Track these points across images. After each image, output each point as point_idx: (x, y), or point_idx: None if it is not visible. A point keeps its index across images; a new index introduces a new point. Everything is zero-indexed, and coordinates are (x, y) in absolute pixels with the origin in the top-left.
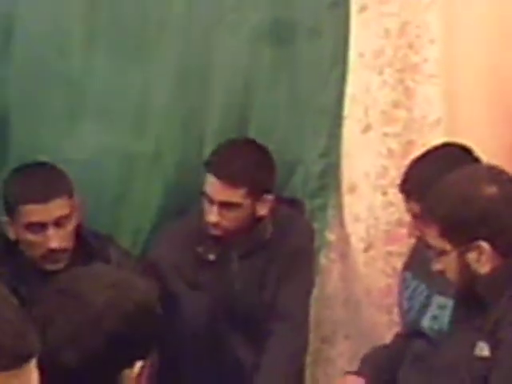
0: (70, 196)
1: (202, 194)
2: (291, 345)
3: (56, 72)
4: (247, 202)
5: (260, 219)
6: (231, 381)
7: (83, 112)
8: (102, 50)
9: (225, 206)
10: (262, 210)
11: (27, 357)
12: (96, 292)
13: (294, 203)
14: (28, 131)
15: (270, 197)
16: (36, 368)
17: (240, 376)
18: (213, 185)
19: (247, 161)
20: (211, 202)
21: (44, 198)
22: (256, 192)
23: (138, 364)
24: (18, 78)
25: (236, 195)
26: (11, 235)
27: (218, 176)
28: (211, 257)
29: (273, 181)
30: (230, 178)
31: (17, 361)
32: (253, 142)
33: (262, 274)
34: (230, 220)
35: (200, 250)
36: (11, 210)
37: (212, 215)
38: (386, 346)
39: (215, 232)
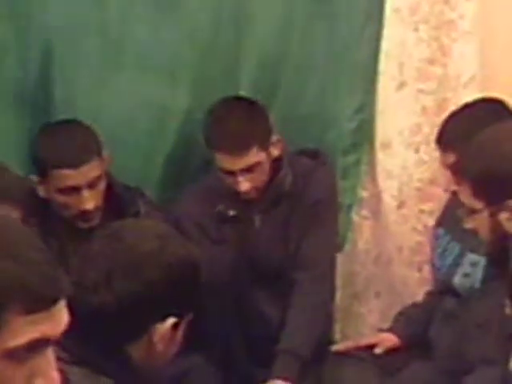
0: (100, 155)
1: (218, 169)
2: (315, 296)
3: (93, 23)
4: (263, 155)
5: (277, 166)
6: (257, 336)
7: (119, 65)
8: (141, 2)
9: (247, 170)
10: (276, 151)
11: (55, 299)
12: (142, 239)
13: (316, 155)
14: (67, 84)
15: (275, 137)
16: (65, 310)
17: (266, 331)
18: (226, 160)
19: (244, 122)
20: (232, 173)
21: (77, 163)
22: (265, 142)
23: (170, 320)
24: (57, 28)
25: (252, 156)
26: (42, 194)
27: (228, 152)
28: (231, 213)
29: (270, 122)
30: (240, 148)
31: (45, 303)
32: (234, 98)
33: (285, 227)
34: (257, 179)
35: (220, 207)
36: (43, 172)
37: (241, 185)
38: (418, 304)
39: (248, 196)
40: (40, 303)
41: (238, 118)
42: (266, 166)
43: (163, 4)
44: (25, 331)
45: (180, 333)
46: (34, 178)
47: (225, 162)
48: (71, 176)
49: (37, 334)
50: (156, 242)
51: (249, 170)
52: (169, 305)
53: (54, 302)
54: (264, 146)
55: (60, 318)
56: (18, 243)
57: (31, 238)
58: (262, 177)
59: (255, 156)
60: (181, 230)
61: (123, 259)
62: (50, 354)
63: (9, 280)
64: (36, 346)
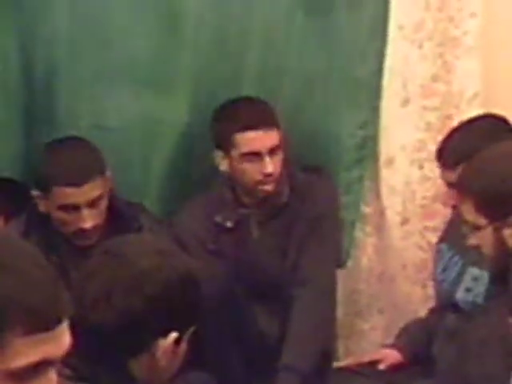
0: (103, 174)
1: (241, 159)
2: (316, 313)
3: (94, 37)
4: (280, 137)
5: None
6: (254, 352)
7: (120, 79)
8: (141, 15)
9: (273, 151)
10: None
11: (58, 320)
12: (142, 255)
13: (317, 171)
14: (69, 97)
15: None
16: (68, 331)
17: (263, 345)
18: (256, 139)
19: (261, 104)
20: (259, 155)
21: (79, 182)
22: (279, 128)
23: (173, 335)
24: (59, 40)
25: (277, 136)
26: (42, 209)
27: (258, 127)
28: (229, 224)
29: None
30: (269, 124)
31: (48, 324)
32: (239, 97)
33: (284, 240)
34: (278, 166)
35: (218, 218)
36: (44, 188)
37: (268, 166)
38: (421, 321)
39: (268, 187)
40: (43, 324)
41: (256, 102)
42: (282, 156)
43: (164, 19)
44: (27, 352)
45: (183, 347)
46: (36, 192)
47: (252, 141)
48: (72, 194)
49: (39, 356)
50: (155, 257)
51: (273, 151)
52: (170, 320)
53: (57, 322)
54: (279, 131)
55: (63, 339)
56: (21, 262)
57: (35, 256)
58: (280, 163)
59: (277, 138)
60: (181, 244)
61: (123, 276)
62: (52, 374)
63: (12, 300)
64: (38, 368)
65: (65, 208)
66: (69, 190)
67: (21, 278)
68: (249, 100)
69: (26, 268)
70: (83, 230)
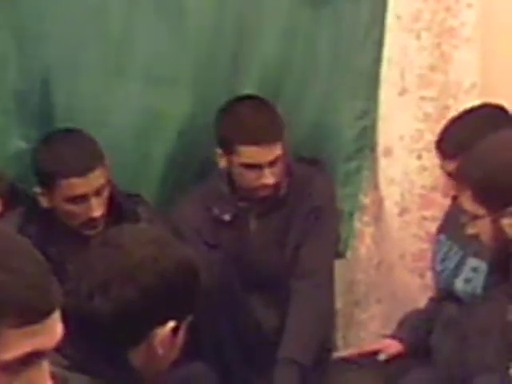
0: (103, 162)
1: (241, 166)
2: (314, 304)
3: (95, 31)
4: (282, 148)
5: None
6: (253, 343)
7: (121, 74)
8: (142, 9)
9: (272, 163)
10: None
11: (48, 311)
12: (137, 245)
13: (314, 163)
14: (69, 94)
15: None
16: (59, 322)
17: (262, 338)
18: (255, 153)
19: (270, 115)
20: (259, 167)
21: (84, 171)
22: (284, 136)
23: (170, 324)
24: (58, 37)
25: (279, 149)
26: (44, 204)
27: (262, 143)
28: (226, 217)
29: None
30: (272, 139)
31: (38, 316)
32: (245, 96)
33: (282, 233)
34: (279, 174)
35: (216, 211)
36: (47, 183)
37: (268, 178)
38: (421, 311)
39: (266, 192)
40: (33, 316)
41: (263, 111)
42: (283, 162)
43: (165, 14)
44: (18, 344)
45: (181, 336)
46: (37, 189)
47: (254, 154)
48: (79, 184)
49: (30, 347)
50: (152, 248)
51: (274, 163)
52: (167, 309)
53: (47, 314)
54: (284, 139)
55: (54, 330)
56: (12, 255)
57: (26, 249)
58: (280, 172)
59: (280, 148)
60: (179, 236)
61: (119, 266)
62: (44, 365)
63: (1, 293)
64: (30, 359)
65: (73, 200)
66: (76, 181)
67: (11, 271)
68: (256, 108)
69: (16, 261)
70: (93, 219)
